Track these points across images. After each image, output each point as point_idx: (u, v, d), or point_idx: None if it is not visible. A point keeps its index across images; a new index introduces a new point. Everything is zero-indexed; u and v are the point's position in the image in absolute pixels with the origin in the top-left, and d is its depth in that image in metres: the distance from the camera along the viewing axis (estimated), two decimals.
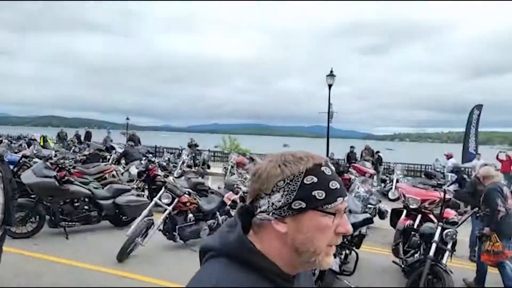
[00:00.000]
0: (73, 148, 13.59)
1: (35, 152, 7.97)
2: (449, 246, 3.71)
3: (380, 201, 7.42)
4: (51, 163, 5.69)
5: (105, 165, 8.48)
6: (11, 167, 5.60)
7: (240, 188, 5.96)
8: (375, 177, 11.80)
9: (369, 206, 6.63)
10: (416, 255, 4.13)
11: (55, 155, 7.34)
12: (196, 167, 13.51)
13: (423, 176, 11.51)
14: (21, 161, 6.60)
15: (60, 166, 5.63)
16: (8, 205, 2.85)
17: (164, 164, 8.65)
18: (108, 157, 11.42)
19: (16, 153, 8.48)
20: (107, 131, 22.61)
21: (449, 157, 13.98)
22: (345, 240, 4.16)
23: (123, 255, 4.55)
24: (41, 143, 14.11)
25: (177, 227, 5.13)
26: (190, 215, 5.31)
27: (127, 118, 27.66)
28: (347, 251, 4.30)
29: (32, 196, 5.31)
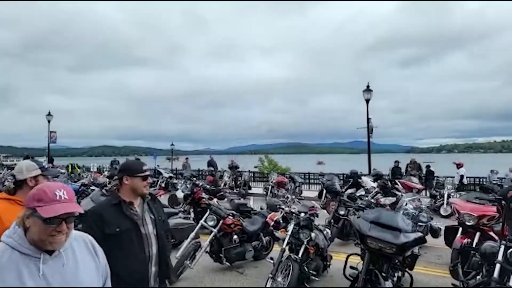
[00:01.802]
0: None
1: (91, 180, 8.69)
2: None
3: (432, 218, 6.98)
4: (107, 190, 6.16)
5: (154, 190, 8.98)
6: None
7: (283, 208, 5.94)
8: (423, 192, 11.16)
9: (420, 224, 6.26)
10: (478, 276, 3.80)
11: (109, 183, 7.93)
12: (238, 189, 13.72)
13: (477, 189, 10.65)
14: (80, 189, 7.24)
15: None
16: (163, 255, 2.19)
17: (208, 186, 8.95)
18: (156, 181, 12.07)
19: (75, 182, 9.31)
20: (153, 158, 24.23)
21: (459, 166, 13.05)
22: (397, 261, 3.97)
23: (173, 277, 4.73)
24: (69, 171, 15.51)
25: (223, 249, 5.20)
26: (235, 237, 5.36)
27: (172, 144, 28.78)
28: (400, 273, 4.08)
29: None
